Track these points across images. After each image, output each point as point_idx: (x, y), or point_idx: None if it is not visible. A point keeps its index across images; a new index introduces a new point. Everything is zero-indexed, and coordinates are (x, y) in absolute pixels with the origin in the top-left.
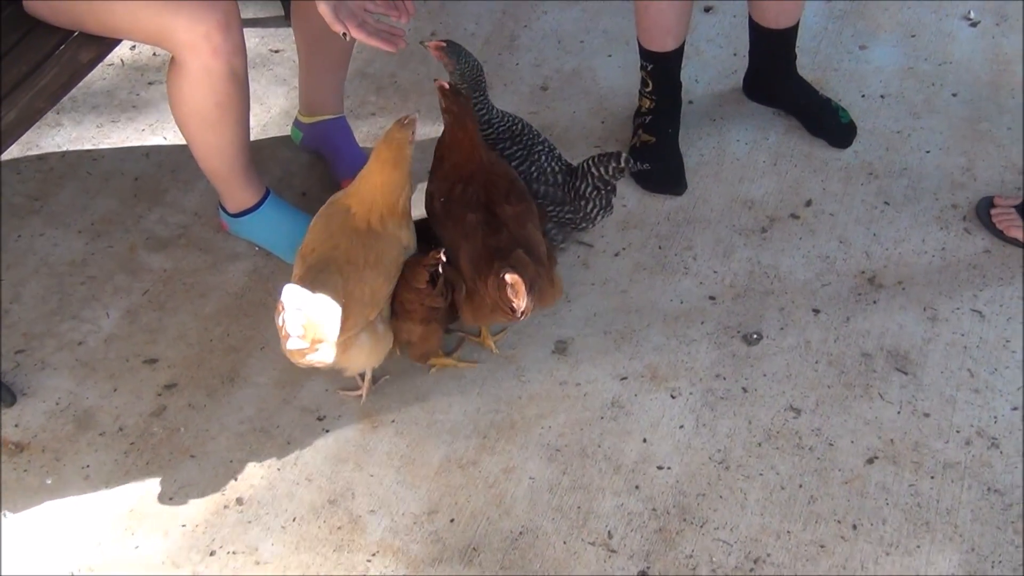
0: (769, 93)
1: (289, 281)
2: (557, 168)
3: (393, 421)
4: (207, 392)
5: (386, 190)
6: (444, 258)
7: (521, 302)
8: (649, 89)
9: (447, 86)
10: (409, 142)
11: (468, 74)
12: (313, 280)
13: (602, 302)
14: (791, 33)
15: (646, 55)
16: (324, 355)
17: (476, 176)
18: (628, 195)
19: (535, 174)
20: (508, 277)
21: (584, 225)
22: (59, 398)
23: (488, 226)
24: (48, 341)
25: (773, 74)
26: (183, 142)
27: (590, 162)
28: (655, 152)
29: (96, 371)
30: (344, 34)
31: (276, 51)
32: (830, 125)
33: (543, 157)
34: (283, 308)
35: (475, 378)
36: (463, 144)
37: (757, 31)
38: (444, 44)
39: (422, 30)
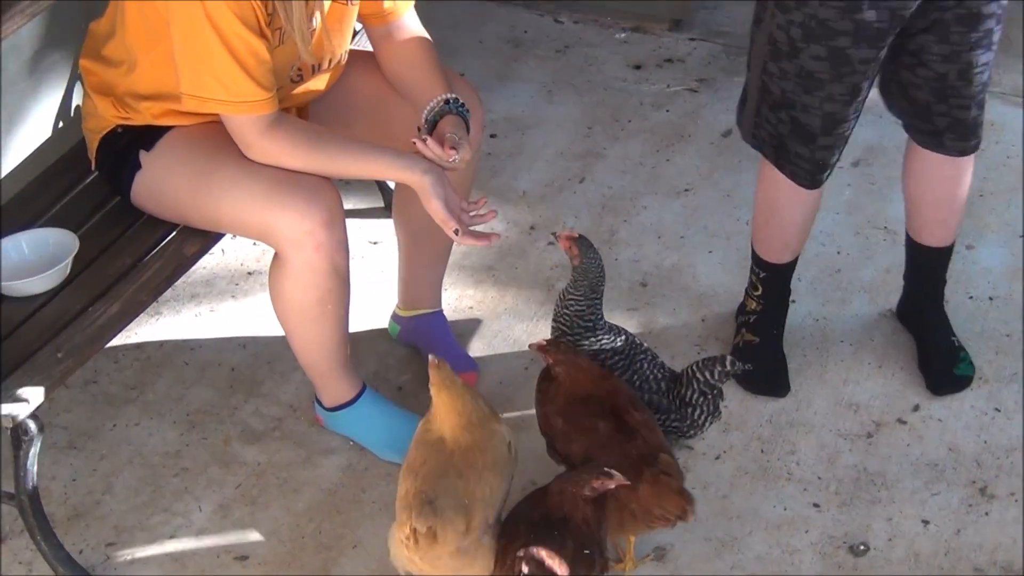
0: (922, 322)
1: (393, 490)
2: (660, 375)
3: None
4: None
5: (462, 406)
6: (612, 482)
7: (687, 504)
8: (758, 293)
9: (545, 343)
10: (446, 377)
11: (591, 272)
12: (435, 486)
13: (702, 507)
14: (947, 253)
15: (760, 263)
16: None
17: (596, 391)
18: (729, 396)
19: (637, 383)
20: (670, 481)
21: (692, 433)
22: None
23: (622, 433)
24: (139, 534)
25: (926, 299)
26: (281, 333)
27: (695, 367)
28: (759, 353)
29: (186, 567)
30: (456, 231)
31: (375, 243)
32: (940, 369)
33: (645, 365)
34: (413, 502)
35: None
36: (581, 380)
37: (914, 248)
38: (577, 236)
39: (520, 223)
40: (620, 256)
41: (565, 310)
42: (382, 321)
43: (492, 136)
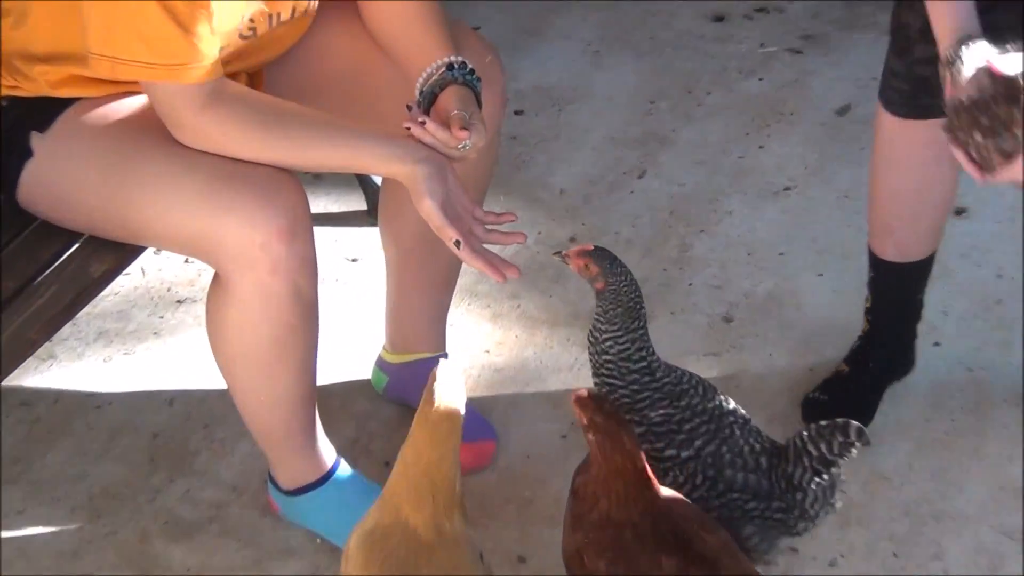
0: None
1: None
2: (758, 447)
3: None
4: None
5: (443, 468)
6: None
7: None
8: (868, 306)
9: (585, 394)
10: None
11: (624, 293)
12: None
13: None
14: None
15: (872, 261)
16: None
17: (653, 508)
18: (850, 477)
19: (727, 457)
20: None
21: (800, 527)
22: None
23: (695, 565)
24: None
25: None
26: (223, 386)
27: (805, 437)
28: (836, 384)
29: None
30: (456, 242)
31: (355, 260)
32: None
33: (736, 432)
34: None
35: None
36: (625, 471)
37: None
38: (592, 249)
39: (556, 235)
40: (695, 280)
41: (605, 355)
42: (364, 370)
43: (518, 113)
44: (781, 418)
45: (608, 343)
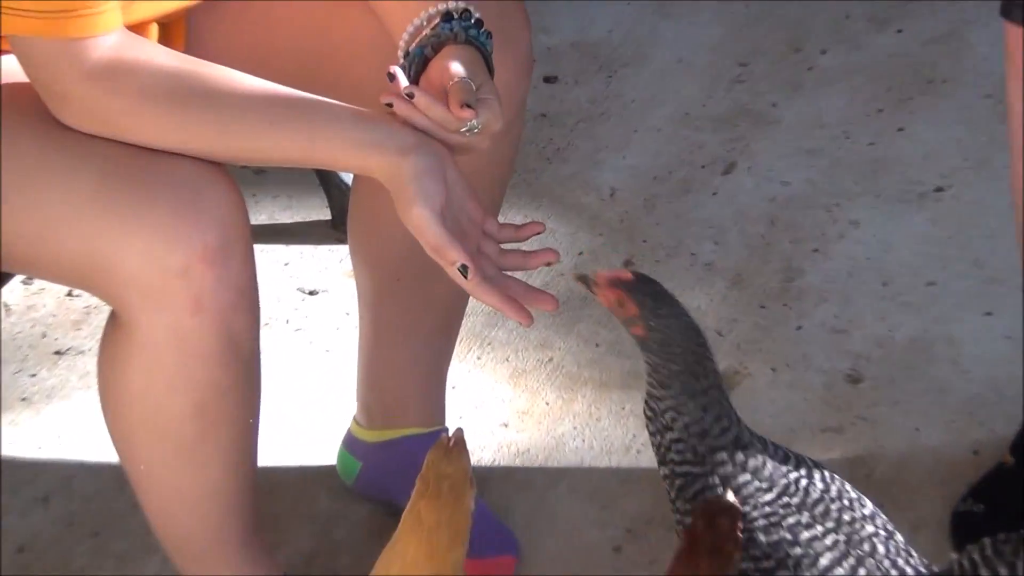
0: None
1: None
2: (905, 565)
3: None
4: None
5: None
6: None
7: None
8: None
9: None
10: (467, 475)
11: (674, 346)
12: None
13: None
14: None
15: None
16: None
17: None
18: None
19: None
20: None
21: None
22: None
23: None
24: None
25: None
26: (121, 476)
27: (976, 556)
28: (997, 485)
29: None
30: (461, 267)
31: (312, 293)
32: None
33: (879, 547)
34: None
35: None
36: None
37: None
38: (629, 278)
39: (604, 256)
40: (806, 321)
41: (669, 431)
42: (328, 453)
43: (549, 81)
44: (932, 525)
45: (670, 414)
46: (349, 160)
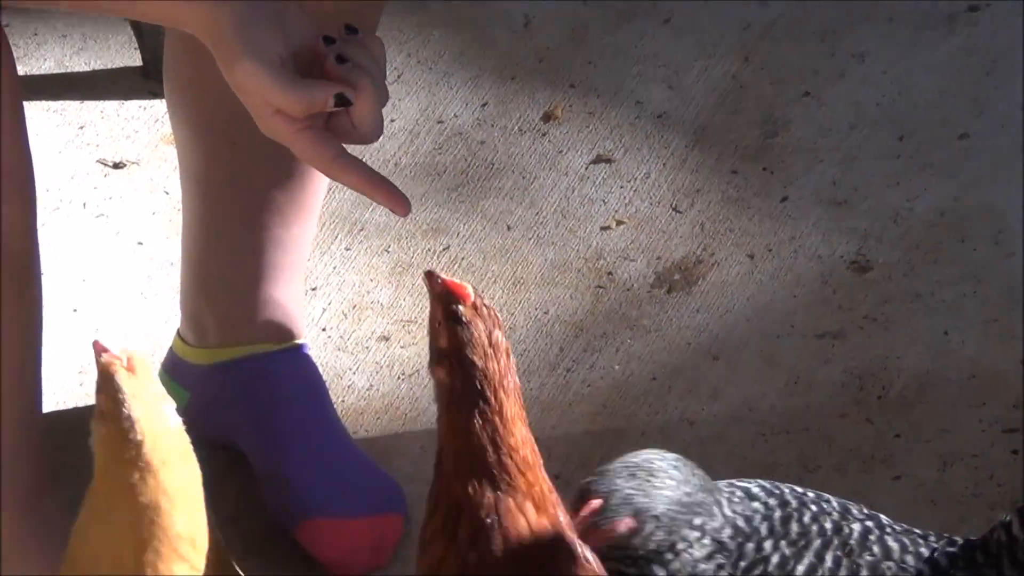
0: None
1: None
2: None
3: None
4: None
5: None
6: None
7: None
8: None
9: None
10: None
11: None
12: None
13: None
14: None
15: None
16: None
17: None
18: None
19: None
20: None
21: None
22: None
23: None
24: None
25: None
26: None
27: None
28: None
29: None
30: (338, 97)
31: (118, 166)
32: None
33: (889, 541)
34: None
35: None
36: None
37: None
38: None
39: (518, 109)
40: (794, 191)
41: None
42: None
43: None
44: (966, 458)
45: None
46: (147, 8)
